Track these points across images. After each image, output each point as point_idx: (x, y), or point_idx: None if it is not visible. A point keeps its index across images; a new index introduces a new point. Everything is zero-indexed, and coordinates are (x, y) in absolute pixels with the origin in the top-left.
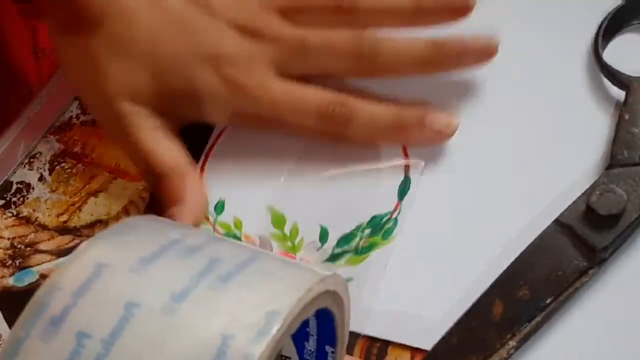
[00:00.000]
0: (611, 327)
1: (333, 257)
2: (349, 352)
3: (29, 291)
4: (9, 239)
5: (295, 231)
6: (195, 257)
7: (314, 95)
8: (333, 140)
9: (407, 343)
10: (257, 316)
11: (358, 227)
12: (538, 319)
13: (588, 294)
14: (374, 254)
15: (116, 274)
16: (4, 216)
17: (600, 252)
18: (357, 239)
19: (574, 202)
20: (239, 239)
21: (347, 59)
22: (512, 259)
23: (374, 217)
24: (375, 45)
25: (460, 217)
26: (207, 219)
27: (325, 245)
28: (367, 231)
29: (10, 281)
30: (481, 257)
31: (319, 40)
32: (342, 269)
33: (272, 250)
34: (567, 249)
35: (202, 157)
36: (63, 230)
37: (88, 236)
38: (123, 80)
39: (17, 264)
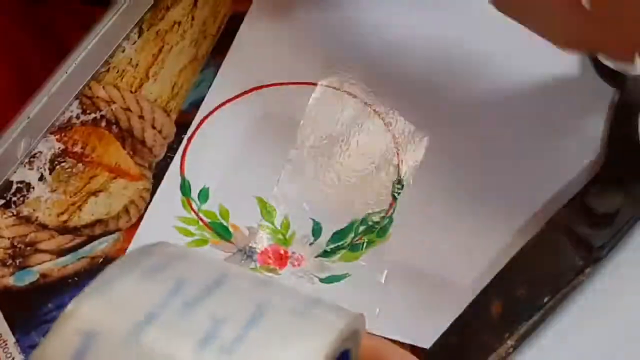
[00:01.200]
0: (608, 325)
1: (327, 253)
2: None
3: (29, 291)
4: (9, 238)
5: (286, 224)
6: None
7: None
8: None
9: (405, 341)
10: None
11: (352, 224)
12: (536, 317)
13: (585, 292)
14: (370, 251)
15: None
16: (4, 216)
17: (597, 251)
18: (352, 235)
19: (570, 201)
20: (225, 228)
21: None
22: (510, 256)
23: (368, 215)
24: None
25: (456, 215)
26: (190, 206)
27: (319, 240)
28: (362, 228)
29: (10, 281)
30: (479, 255)
31: None
32: (336, 264)
33: (263, 243)
34: (564, 248)
35: (184, 142)
36: (63, 229)
37: (88, 236)
38: None
39: (17, 263)
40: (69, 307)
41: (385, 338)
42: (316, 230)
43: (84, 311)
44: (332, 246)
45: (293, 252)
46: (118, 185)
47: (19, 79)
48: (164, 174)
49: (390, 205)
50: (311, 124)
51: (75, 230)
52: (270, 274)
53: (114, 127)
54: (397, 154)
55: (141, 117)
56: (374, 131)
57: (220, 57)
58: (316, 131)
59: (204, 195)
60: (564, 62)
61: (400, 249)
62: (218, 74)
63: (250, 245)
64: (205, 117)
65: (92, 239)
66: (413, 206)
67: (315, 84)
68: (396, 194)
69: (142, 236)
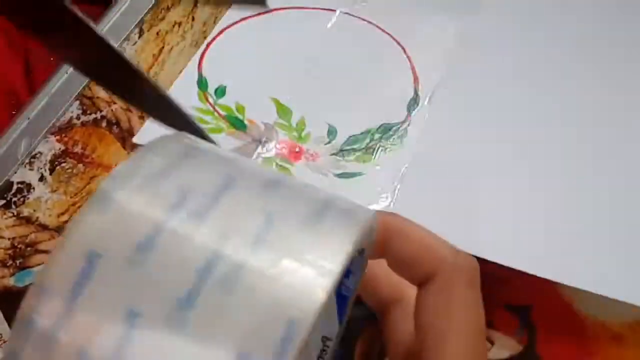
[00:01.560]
0: None
1: (342, 152)
2: (350, 348)
3: None
4: (9, 239)
5: (302, 124)
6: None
7: None
8: None
9: None
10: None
11: (368, 131)
12: None
13: None
14: (385, 156)
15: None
16: (5, 216)
17: None
18: (367, 140)
19: None
20: (241, 122)
21: None
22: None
23: (383, 124)
24: None
25: (471, 135)
26: (207, 99)
27: (334, 141)
28: (377, 135)
29: (10, 281)
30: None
31: None
32: (351, 163)
33: (277, 138)
34: None
35: (203, 46)
36: (63, 230)
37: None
38: None
39: (18, 264)
40: (71, 224)
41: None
42: (331, 132)
43: (86, 230)
44: (347, 148)
45: (308, 149)
46: None
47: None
48: None
49: (406, 118)
50: (328, 45)
51: None
52: (284, 164)
53: (114, 127)
54: (414, 73)
55: (141, 117)
56: (390, 52)
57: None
58: (333, 51)
59: (220, 91)
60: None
61: (414, 158)
62: None
63: (265, 137)
64: (225, 28)
65: None
66: (429, 123)
67: (333, 10)
68: (412, 109)
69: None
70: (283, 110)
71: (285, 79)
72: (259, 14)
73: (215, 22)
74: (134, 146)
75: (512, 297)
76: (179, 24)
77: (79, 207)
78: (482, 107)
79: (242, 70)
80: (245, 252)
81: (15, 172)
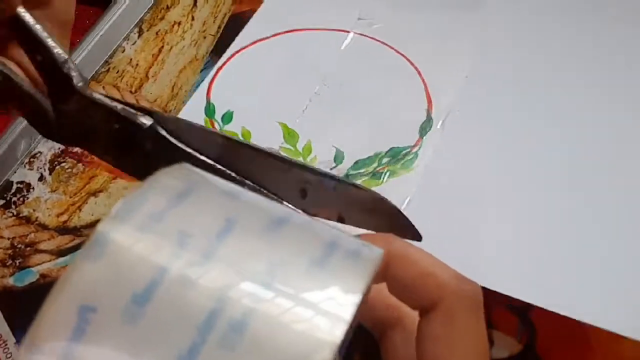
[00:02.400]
0: None
1: (348, 177)
2: (350, 349)
3: (29, 291)
4: (9, 238)
5: (308, 148)
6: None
7: None
8: None
9: None
10: None
11: (376, 155)
12: None
13: None
14: (392, 181)
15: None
16: (4, 216)
17: None
18: (375, 164)
19: None
20: None
21: None
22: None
23: (392, 148)
24: None
25: (482, 161)
26: (212, 126)
27: (340, 166)
28: (386, 160)
29: (10, 281)
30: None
31: None
32: None
33: None
34: None
35: (214, 70)
36: (63, 230)
37: (88, 236)
38: None
39: (17, 263)
40: (65, 274)
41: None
42: (338, 156)
43: (80, 281)
44: (353, 172)
45: None
46: (118, 186)
47: None
48: None
49: (417, 142)
50: (342, 65)
51: (75, 231)
52: None
53: None
54: (428, 96)
55: None
56: (405, 74)
57: (219, 58)
58: (346, 72)
59: (227, 117)
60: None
61: (423, 183)
62: (254, 15)
63: None
64: (237, 52)
65: None
66: (440, 148)
67: (347, 32)
68: (423, 133)
69: None
70: (290, 135)
71: (294, 102)
72: (273, 35)
73: (214, 22)
74: None
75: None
76: (179, 24)
77: (78, 207)
78: (495, 134)
79: (250, 95)
80: (249, 301)
81: (15, 172)
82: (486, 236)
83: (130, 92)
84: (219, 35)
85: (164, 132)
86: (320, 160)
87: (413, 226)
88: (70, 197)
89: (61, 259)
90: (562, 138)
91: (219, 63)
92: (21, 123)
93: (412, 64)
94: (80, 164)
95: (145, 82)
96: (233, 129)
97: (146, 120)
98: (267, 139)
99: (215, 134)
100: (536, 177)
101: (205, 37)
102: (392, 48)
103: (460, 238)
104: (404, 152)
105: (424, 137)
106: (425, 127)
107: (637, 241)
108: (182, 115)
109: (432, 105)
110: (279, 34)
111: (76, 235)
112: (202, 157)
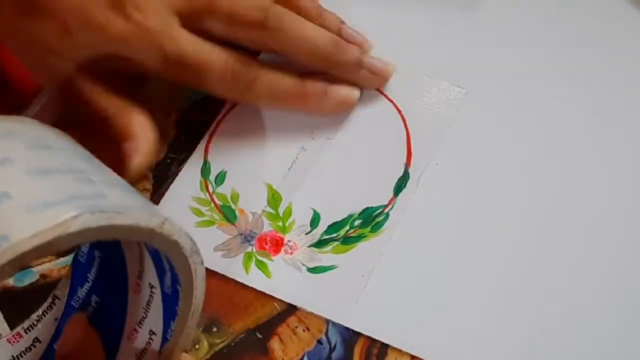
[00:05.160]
0: None
1: (320, 243)
2: (349, 352)
3: (29, 291)
4: None
5: (288, 212)
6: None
7: (220, 52)
8: (234, 100)
9: (383, 340)
10: None
11: (350, 217)
12: None
13: None
14: (360, 245)
15: None
16: None
17: None
18: (347, 227)
19: None
20: (233, 212)
21: (251, 27)
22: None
23: (366, 209)
24: (280, 21)
25: (457, 221)
26: (207, 188)
27: (315, 231)
28: (358, 222)
29: (10, 281)
30: (475, 265)
31: (225, 2)
32: (326, 255)
33: (262, 229)
34: None
35: (212, 128)
36: None
37: None
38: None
39: None
40: None
41: (362, 335)
42: (314, 220)
43: None
44: (325, 237)
45: (289, 240)
46: None
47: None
48: (164, 175)
49: (390, 201)
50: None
51: None
52: (263, 259)
53: None
54: (409, 148)
55: None
56: (389, 125)
57: None
58: (332, 122)
59: (220, 178)
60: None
61: (391, 247)
62: None
63: (250, 229)
64: (234, 105)
65: None
66: (412, 207)
67: None
68: (398, 191)
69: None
70: (273, 197)
71: (281, 160)
72: None
73: None
74: None
75: None
76: None
77: None
78: (470, 196)
79: (242, 152)
80: None
81: None
82: (451, 309)
83: None
84: None
85: None
86: (298, 224)
87: None
88: None
89: (61, 259)
90: (548, 212)
91: (219, 117)
92: None
93: (399, 111)
94: None
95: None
96: (224, 190)
97: None
98: (253, 202)
99: None
100: (511, 251)
101: None
102: (384, 94)
103: (422, 310)
104: (375, 212)
105: (398, 196)
106: (400, 185)
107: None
108: (180, 177)
109: (412, 159)
110: None
111: None
112: None
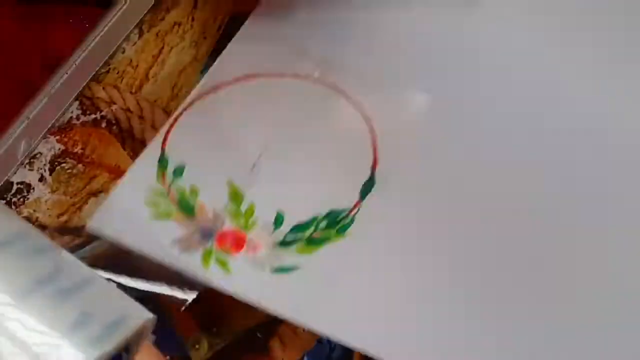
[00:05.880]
0: None
1: (284, 243)
2: (349, 351)
3: None
4: None
5: (250, 211)
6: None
7: None
8: None
9: (349, 345)
10: None
11: (314, 219)
12: None
13: None
14: (325, 247)
15: None
16: None
17: None
18: (312, 229)
19: None
20: (191, 207)
21: None
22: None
23: (331, 211)
24: None
25: (422, 225)
26: (164, 179)
27: (278, 230)
28: (323, 224)
29: None
30: (439, 268)
31: None
32: (290, 256)
33: (223, 226)
34: None
35: (171, 120)
36: (63, 230)
37: (88, 236)
38: None
39: None
40: None
41: (327, 338)
42: (278, 220)
43: None
44: (290, 238)
45: (251, 239)
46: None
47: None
48: None
49: (355, 204)
50: (295, 116)
51: (75, 231)
52: (224, 257)
53: (114, 127)
54: (375, 153)
55: (141, 117)
56: (354, 129)
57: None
58: (298, 123)
59: (178, 172)
60: None
61: (356, 250)
62: (216, 61)
63: (210, 225)
64: (195, 100)
65: (92, 239)
66: (378, 211)
67: (305, 78)
68: (364, 194)
69: (114, 202)
70: (235, 195)
71: (245, 157)
72: (233, 81)
73: (214, 23)
74: (134, 147)
75: None
76: (179, 25)
77: (78, 207)
78: (436, 200)
79: (203, 148)
80: None
81: (15, 173)
82: (409, 317)
83: (131, 92)
84: (219, 36)
85: None
86: (261, 223)
87: None
88: (71, 198)
89: None
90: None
91: (179, 110)
92: (21, 123)
93: (365, 117)
94: (80, 165)
95: (146, 83)
96: (182, 184)
97: None
98: (213, 198)
99: None
100: (473, 260)
101: (205, 38)
102: (349, 97)
103: (380, 317)
104: (341, 215)
105: (364, 199)
106: (366, 188)
107: None
108: (135, 166)
109: (378, 164)
110: (239, 80)
111: (76, 236)
112: None
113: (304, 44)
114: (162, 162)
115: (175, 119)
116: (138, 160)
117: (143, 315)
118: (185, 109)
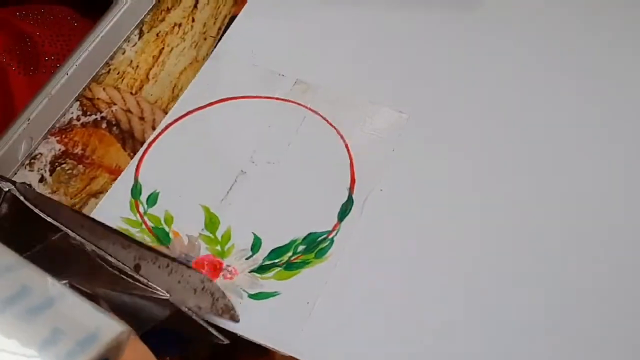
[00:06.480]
0: None
1: (262, 269)
2: None
3: None
4: None
5: (227, 236)
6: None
7: None
8: None
9: None
10: None
11: (293, 242)
12: None
13: None
14: (304, 272)
15: None
16: None
17: None
18: (290, 253)
19: None
20: (167, 235)
21: None
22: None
23: (310, 234)
24: None
25: (402, 246)
26: (137, 209)
27: (256, 255)
28: (302, 247)
29: None
30: (421, 290)
31: None
32: (268, 281)
33: (199, 253)
34: None
35: (145, 146)
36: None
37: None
38: None
39: None
40: None
41: None
42: (255, 245)
43: None
44: (267, 262)
45: (228, 265)
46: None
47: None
48: None
49: (334, 227)
50: (271, 138)
51: None
52: None
53: (114, 128)
54: (352, 174)
55: (142, 118)
56: (332, 150)
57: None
58: (274, 145)
59: (152, 199)
60: None
61: (337, 274)
62: (191, 83)
63: (186, 253)
64: (170, 124)
65: None
66: (357, 233)
67: (283, 100)
68: (342, 216)
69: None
70: (211, 220)
71: (219, 182)
72: (208, 104)
73: (214, 24)
74: (134, 147)
75: None
76: (179, 25)
77: (78, 208)
78: (415, 221)
79: (177, 173)
80: None
81: (16, 173)
82: (392, 341)
83: (131, 93)
84: (219, 36)
85: (22, 198)
86: (237, 249)
87: (233, 308)
88: (71, 199)
89: None
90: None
91: (152, 136)
92: (22, 124)
93: (342, 137)
94: (80, 166)
95: (146, 83)
96: (156, 212)
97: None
98: (188, 225)
99: (65, 207)
100: (457, 281)
101: (205, 39)
102: (325, 118)
103: (366, 339)
104: (320, 238)
105: (342, 222)
106: (344, 210)
107: None
108: (108, 197)
109: (355, 185)
110: (214, 103)
111: None
112: (54, 222)
113: (278, 64)
114: (135, 190)
115: (149, 145)
116: (111, 189)
117: (117, 329)
118: (159, 134)
